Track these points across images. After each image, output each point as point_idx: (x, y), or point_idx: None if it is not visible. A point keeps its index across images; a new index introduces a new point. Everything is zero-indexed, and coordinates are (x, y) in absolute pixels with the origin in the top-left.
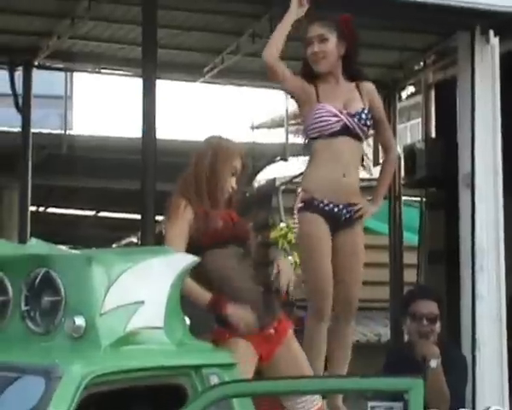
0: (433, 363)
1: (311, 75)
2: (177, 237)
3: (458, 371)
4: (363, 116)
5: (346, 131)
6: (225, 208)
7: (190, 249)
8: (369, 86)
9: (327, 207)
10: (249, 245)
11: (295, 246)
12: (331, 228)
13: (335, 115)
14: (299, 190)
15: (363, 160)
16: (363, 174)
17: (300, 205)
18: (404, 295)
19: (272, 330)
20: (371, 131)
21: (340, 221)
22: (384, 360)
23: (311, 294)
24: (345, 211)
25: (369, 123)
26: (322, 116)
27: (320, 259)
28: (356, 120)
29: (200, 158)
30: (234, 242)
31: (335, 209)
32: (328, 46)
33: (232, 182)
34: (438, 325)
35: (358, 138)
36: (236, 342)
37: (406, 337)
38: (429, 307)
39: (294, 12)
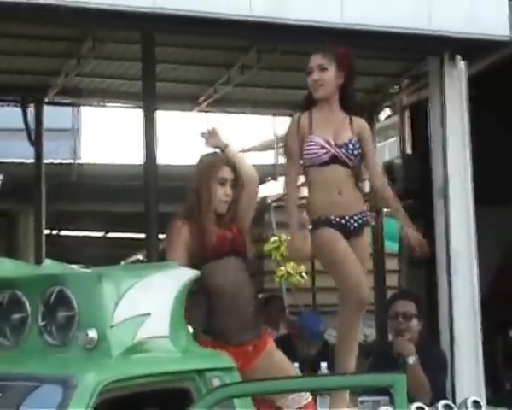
0: (411, 360)
1: (310, 102)
2: (176, 260)
3: (439, 365)
4: (350, 146)
5: (334, 160)
6: (228, 220)
7: (190, 263)
8: (361, 122)
9: (334, 222)
10: (247, 257)
11: (318, 257)
12: (344, 236)
13: (323, 147)
14: (304, 214)
15: (357, 182)
16: None
17: (310, 227)
18: (387, 299)
19: (251, 348)
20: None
21: (349, 230)
22: (370, 359)
23: (349, 290)
24: (352, 221)
25: (356, 152)
26: (312, 148)
27: (346, 256)
28: (343, 150)
29: (192, 176)
30: (231, 254)
31: (342, 221)
32: (327, 75)
33: (222, 191)
34: (415, 324)
35: (347, 166)
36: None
37: (390, 337)
38: (406, 306)
39: None
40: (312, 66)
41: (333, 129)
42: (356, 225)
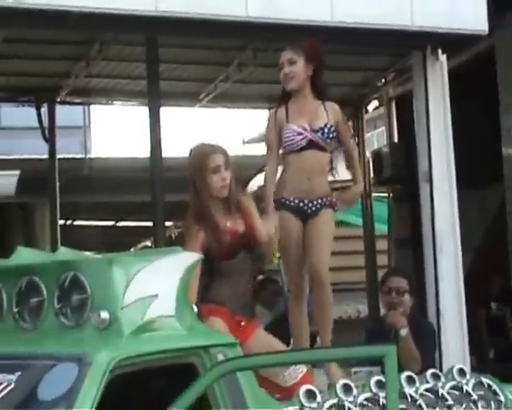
0: (403, 332)
1: (285, 95)
2: None
3: (428, 338)
4: (326, 130)
5: (311, 145)
6: (234, 202)
7: (206, 262)
8: (334, 106)
9: (292, 203)
10: (258, 248)
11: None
12: (301, 218)
13: (300, 134)
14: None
15: (331, 167)
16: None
17: (273, 205)
18: (382, 276)
19: (244, 322)
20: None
21: (306, 213)
22: (365, 333)
23: (289, 275)
24: (310, 205)
25: (331, 136)
26: (289, 137)
27: (289, 246)
28: (319, 134)
29: (186, 169)
30: (243, 250)
31: (301, 204)
32: (297, 67)
33: (217, 177)
34: (407, 298)
35: (323, 149)
36: (214, 322)
37: (382, 311)
38: (399, 282)
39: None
40: (283, 61)
41: (308, 116)
42: (313, 209)
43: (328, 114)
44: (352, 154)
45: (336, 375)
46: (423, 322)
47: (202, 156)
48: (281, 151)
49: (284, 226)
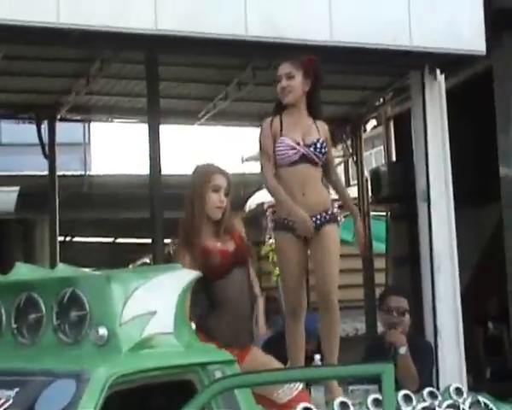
0: (402, 350)
1: (279, 108)
2: None
3: (426, 355)
4: (318, 145)
5: (303, 159)
6: (225, 227)
7: (202, 283)
8: (324, 126)
9: (291, 223)
10: (248, 264)
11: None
12: (303, 239)
13: (293, 148)
14: (268, 213)
15: (322, 180)
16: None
17: (271, 225)
18: (380, 293)
19: (237, 352)
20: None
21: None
22: (363, 350)
23: (287, 296)
24: (314, 221)
25: (323, 151)
26: (282, 150)
27: (289, 266)
28: (312, 149)
29: (187, 185)
30: (235, 267)
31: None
32: (295, 82)
33: (215, 197)
34: (407, 318)
35: (315, 164)
36: None
37: (380, 329)
38: (399, 301)
39: None
40: (281, 74)
41: (301, 131)
42: (313, 225)
43: (319, 131)
44: (336, 176)
45: (337, 392)
46: (421, 340)
47: (207, 173)
48: (276, 165)
49: (283, 248)
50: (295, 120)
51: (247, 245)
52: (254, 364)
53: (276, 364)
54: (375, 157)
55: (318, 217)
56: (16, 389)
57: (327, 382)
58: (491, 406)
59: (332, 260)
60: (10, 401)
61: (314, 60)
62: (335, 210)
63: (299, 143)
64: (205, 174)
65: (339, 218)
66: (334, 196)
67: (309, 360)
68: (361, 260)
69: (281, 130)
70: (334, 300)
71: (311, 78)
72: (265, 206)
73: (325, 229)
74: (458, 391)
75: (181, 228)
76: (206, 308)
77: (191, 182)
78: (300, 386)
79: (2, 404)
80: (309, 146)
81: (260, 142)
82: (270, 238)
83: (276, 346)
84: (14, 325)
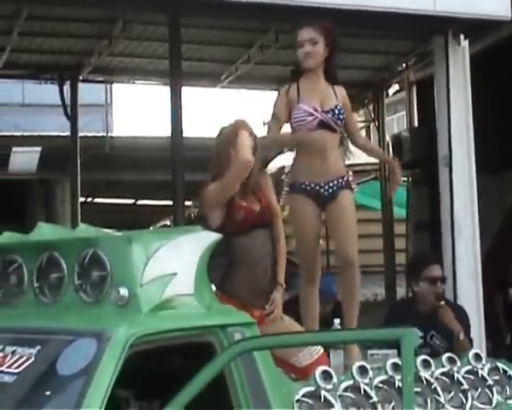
0: (462, 336)
1: (297, 73)
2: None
3: (467, 323)
4: (336, 112)
5: (321, 125)
6: (252, 187)
7: (223, 241)
8: (342, 91)
9: (309, 188)
10: (274, 226)
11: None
12: (319, 204)
13: (311, 114)
14: (284, 176)
15: (341, 145)
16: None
17: (287, 189)
18: (415, 261)
19: (258, 313)
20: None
21: (324, 196)
22: (386, 313)
23: (302, 259)
24: (327, 187)
25: (341, 117)
26: (301, 116)
27: (305, 229)
28: (330, 115)
29: (215, 144)
30: (258, 227)
31: (317, 187)
32: (318, 48)
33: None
34: (444, 287)
35: (333, 130)
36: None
37: (410, 294)
38: (439, 270)
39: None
40: (304, 39)
41: (319, 97)
42: (330, 191)
43: (337, 97)
44: (364, 138)
45: (357, 357)
46: (459, 307)
47: (232, 132)
48: (290, 131)
49: (299, 211)
50: (313, 86)
51: (274, 207)
52: (276, 326)
53: (297, 326)
54: (397, 122)
55: (335, 183)
56: (38, 348)
57: (347, 346)
58: (509, 372)
59: (350, 223)
60: (32, 359)
61: (333, 28)
62: (350, 178)
63: (316, 110)
64: (231, 133)
65: (353, 185)
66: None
67: (325, 323)
68: (381, 225)
69: (298, 96)
70: (355, 261)
71: (330, 45)
72: (286, 170)
73: (341, 194)
74: (477, 357)
75: (209, 180)
76: (225, 268)
77: (217, 142)
78: (321, 350)
79: (24, 362)
80: (327, 112)
81: (273, 109)
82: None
83: (296, 307)
84: (35, 284)
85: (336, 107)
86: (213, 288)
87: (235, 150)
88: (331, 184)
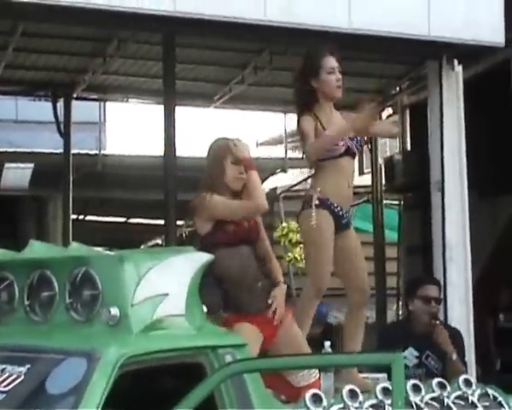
0: (454, 356)
1: (310, 103)
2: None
3: (461, 344)
4: (358, 138)
5: (347, 152)
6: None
7: (205, 244)
8: (350, 115)
9: (336, 209)
10: (258, 245)
11: (305, 234)
12: (336, 227)
13: (341, 140)
14: (313, 190)
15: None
16: None
17: (317, 202)
18: (412, 281)
19: (270, 314)
20: None
21: (341, 222)
22: (380, 334)
23: (317, 273)
24: (346, 214)
25: (361, 143)
26: None
27: (326, 245)
28: (354, 142)
29: (207, 157)
30: (244, 243)
31: (340, 212)
32: (341, 77)
33: (236, 169)
34: (439, 308)
35: (354, 156)
36: (243, 327)
37: (402, 315)
38: (435, 291)
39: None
40: (334, 66)
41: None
42: (346, 220)
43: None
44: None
45: (357, 380)
46: (453, 328)
47: (226, 145)
48: (315, 159)
49: (325, 227)
50: (329, 115)
51: (260, 227)
52: (287, 335)
53: (302, 339)
54: (389, 146)
55: (350, 212)
56: (27, 366)
57: (347, 369)
58: (499, 398)
59: (364, 261)
60: (21, 378)
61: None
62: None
63: (343, 137)
64: (225, 146)
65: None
66: None
67: (314, 344)
68: (373, 248)
69: (321, 124)
70: (368, 300)
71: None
72: (278, 191)
73: (350, 226)
74: (467, 382)
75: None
76: (217, 287)
77: (210, 155)
78: (318, 375)
79: (14, 380)
80: (352, 139)
81: (303, 132)
82: (281, 223)
83: None
84: (26, 302)
85: (355, 135)
86: (204, 309)
87: (249, 192)
88: (348, 213)
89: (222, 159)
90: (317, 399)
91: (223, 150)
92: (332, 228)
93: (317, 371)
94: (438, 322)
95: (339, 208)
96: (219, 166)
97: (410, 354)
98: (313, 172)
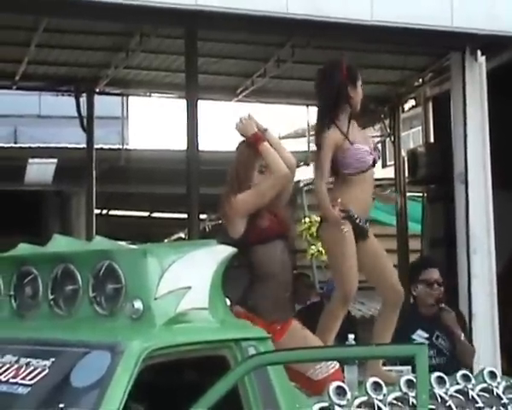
0: (462, 337)
1: (333, 116)
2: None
3: (464, 324)
4: (379, 149)
5: (373, 164)
6: (269, 206)
7: (239, 244)
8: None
9: (357, 221)
10: (291, 239)
11: (328, 246)
12: (357, 237)
13: (370, 153)
14: (334, 202)
15: None
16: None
17: (343, 215)
18: (414, 264)
19: (279, 327)
20: None
21: (362, 232)
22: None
23: (344, 284)
24: (366, 224)
25: (380, 154)
26: (363, 157)
27: (353, 259)
28: (377, 153)
29: (236, 156)
30: (278, 238)
31: (361, 223)
32: None
33: (261, 178)
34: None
35: (375, 165)
36: None
37: (411, 300)
38: (437, 273)
39: None
40: (361, 83)
41: (362, 137)
42: (366, 228)
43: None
44: None
45: (381, 373)
46: (455, 310)
47: (252, 155)
48: (347, 171)
49: (350, 240)
50: (351, 126)
51: (289, 220)
52: (292, 339)
53: (315, 339)
54: (412, 138)
55: (367, 223)
56: (52, 360)
57: (371, 363)
58: None
59: (390, 262)
60: (46, 371)
61: None
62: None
63: (370, 148)
64: (252, 156)
65: None
66: None
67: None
68: (396, 240)
69: (345, 137)
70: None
71: None
72: (301, 184)
73: (370, 233)
74: (492, 375)
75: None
76: (248, 282)
77: (237, 161)
78: (337, 365)
79: (38, 373)
80: (375, 150)
81: (320, 155)
82: (305, 217)
83: (313, 315)
84: (50, 296)
85: (376, 145)
86: (228, 302)
87: (266, 163)
88: (368, 223)
89: (248, 169)
90: (340, 391)
91: (251, 161)
92: (352, 237)
93: (334, 362)
94: (443, 305)
95: (359, 220)
96: (245, 177)
97: (420, 337)
98: (334, 184)
